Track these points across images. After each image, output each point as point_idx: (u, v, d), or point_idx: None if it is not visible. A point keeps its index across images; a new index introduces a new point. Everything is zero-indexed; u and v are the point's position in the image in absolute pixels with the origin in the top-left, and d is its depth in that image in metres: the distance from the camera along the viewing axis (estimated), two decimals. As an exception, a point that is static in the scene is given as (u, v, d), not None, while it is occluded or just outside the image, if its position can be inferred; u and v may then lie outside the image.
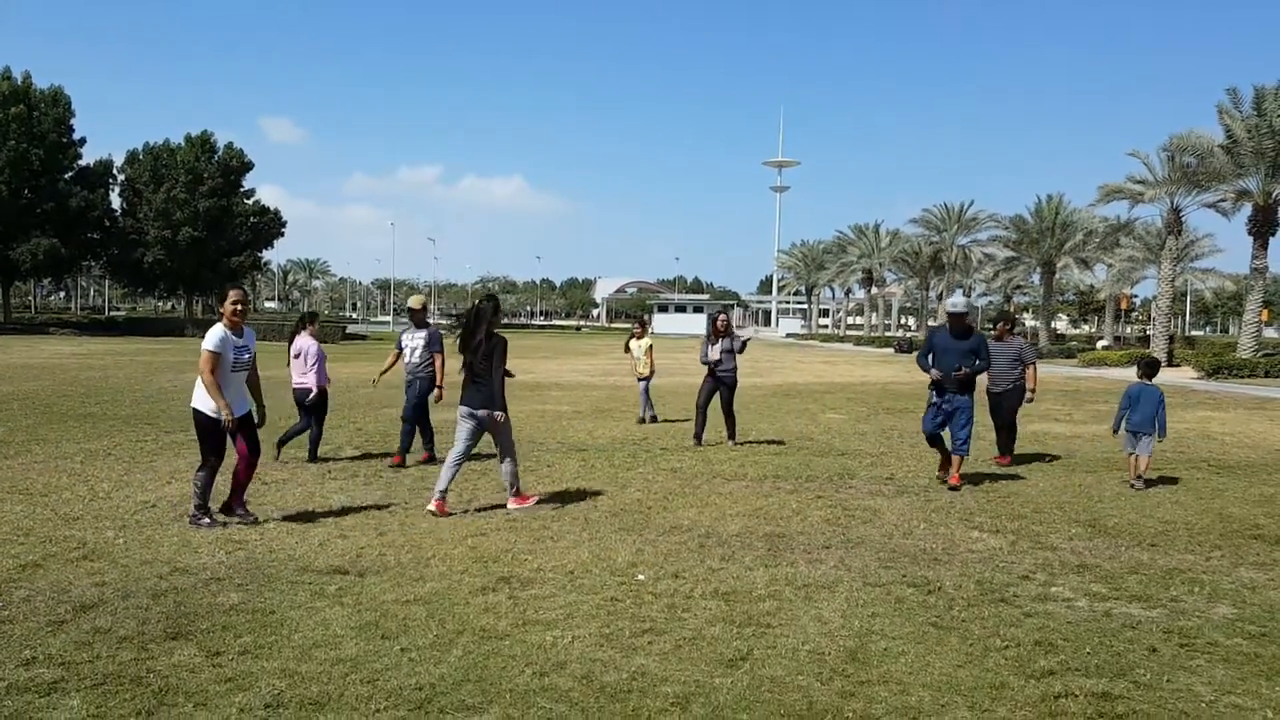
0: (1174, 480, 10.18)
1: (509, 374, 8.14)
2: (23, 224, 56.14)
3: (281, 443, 10.44)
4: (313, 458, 10.39)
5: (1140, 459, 9.71)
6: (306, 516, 7.68)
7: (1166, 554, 6.95)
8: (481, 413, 7.96)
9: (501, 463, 8.18)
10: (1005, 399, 11.48)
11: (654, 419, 15.11)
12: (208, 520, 7.21)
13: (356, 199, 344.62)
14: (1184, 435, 14.23)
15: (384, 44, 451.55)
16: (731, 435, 12.65)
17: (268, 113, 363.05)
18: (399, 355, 10.89)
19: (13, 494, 8.36)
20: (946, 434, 9.65)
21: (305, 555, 6.43)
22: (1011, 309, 75.95)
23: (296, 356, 10.42)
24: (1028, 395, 11.45)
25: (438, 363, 10.49)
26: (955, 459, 9.59)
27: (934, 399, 9.67)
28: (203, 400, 7.11)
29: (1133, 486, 9.61)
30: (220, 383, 7.09)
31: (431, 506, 7.85)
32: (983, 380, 10.37)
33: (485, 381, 7.94)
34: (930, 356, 9.60)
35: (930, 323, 76.05)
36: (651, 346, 15.73)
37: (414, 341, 10.65)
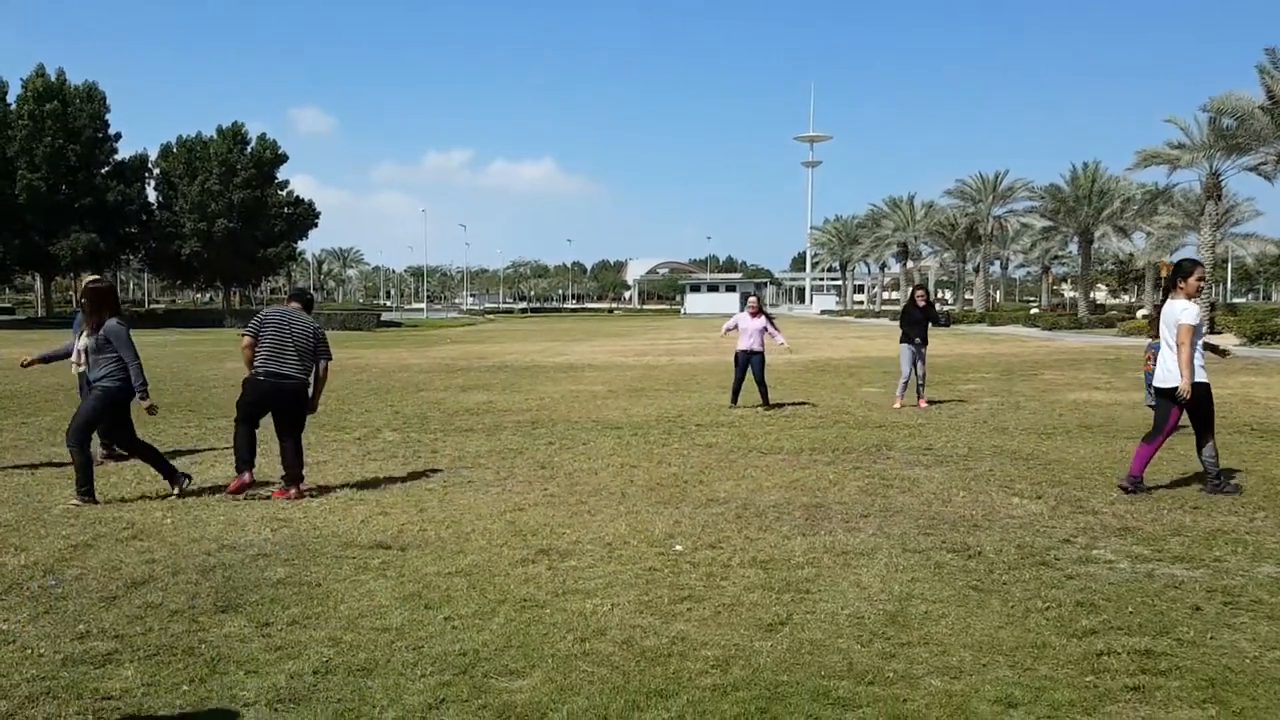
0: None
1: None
2: (62, 219, 57.05)
3: None
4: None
5: None
6: (347, 495, 7.79)
7: (1209, 516, 6.87)
8: (924, 349, 14.02)
9: None
10: None
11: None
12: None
13: (386, 186, 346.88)
14: (1227, 400, 14.00)
15: (410, 29, 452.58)
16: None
17: (296, 103, 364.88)
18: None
19: (62, 479, 8.53)
20: None
21: (348, 532, 6.53)
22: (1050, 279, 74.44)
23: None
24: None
25: None
26: None
27: None
28: None
29: None
30: None
31: (922, 405, 13.57)
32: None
33: (920, 329, 14.01)
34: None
35: (967, 296, 74.97)
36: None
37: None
